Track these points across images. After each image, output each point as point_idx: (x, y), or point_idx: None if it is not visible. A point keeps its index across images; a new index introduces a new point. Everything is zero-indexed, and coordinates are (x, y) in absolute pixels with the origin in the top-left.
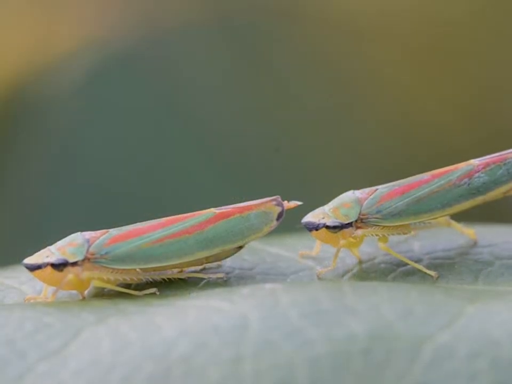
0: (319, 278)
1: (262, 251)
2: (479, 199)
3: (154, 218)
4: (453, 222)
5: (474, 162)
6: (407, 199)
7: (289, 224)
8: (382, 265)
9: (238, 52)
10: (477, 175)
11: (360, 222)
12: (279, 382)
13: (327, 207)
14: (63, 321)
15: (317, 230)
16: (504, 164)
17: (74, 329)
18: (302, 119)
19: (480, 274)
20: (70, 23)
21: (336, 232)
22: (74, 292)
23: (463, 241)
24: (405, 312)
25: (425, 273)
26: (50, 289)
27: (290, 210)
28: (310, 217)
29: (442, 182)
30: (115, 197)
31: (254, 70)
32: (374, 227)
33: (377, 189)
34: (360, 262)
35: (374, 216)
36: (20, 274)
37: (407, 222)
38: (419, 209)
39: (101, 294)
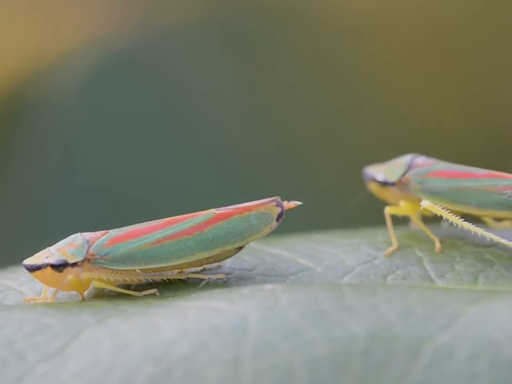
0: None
1: (261, 252)
2: None
3: (154, 219)
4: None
5: None
6: (449, 184)
7: (289, 224)
8: (382, 266)
9: (238, 51)
10: None
11: (402, 184)
12: (279, 382)
13: (392, 161)
14: (62, 322)
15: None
16: None
17: (74, 330)
18: (302, 119)
19: (480, 274)
20: (71, 23)
21: (382, 188)
22: (74, 292)
23: (462, 241)
24: (404, 312)
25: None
26: (50, 290)
27: (290, 210)
28: (371, 168)
29: (489, 183)
30: (115, 197)
31: (254, 70)
32: (411, 193)
33: (437, 164)
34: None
35: (415, 185)
36: (20, 275)
37: (445, 204)
38: (456, 198)
39: (101, 295)
